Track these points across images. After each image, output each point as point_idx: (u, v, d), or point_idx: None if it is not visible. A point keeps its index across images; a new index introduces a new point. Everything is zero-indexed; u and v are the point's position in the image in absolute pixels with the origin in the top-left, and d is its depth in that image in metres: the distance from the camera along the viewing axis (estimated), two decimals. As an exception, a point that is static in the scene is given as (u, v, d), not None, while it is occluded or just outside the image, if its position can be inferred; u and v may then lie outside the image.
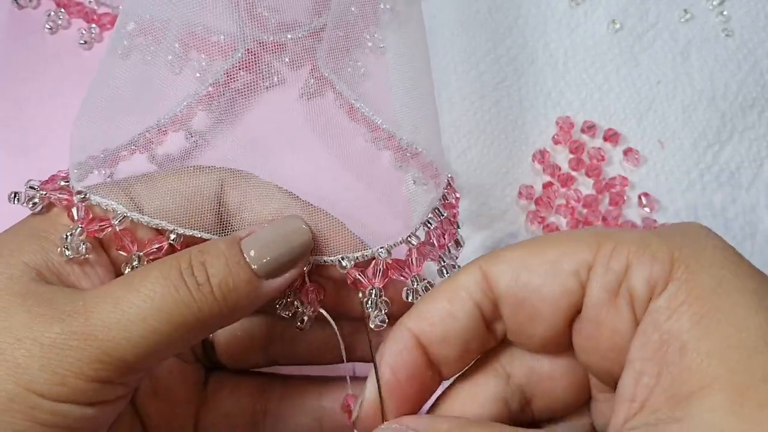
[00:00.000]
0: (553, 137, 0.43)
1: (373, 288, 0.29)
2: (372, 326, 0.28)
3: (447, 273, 0.30)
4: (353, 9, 0.34)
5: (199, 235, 0.28)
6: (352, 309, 0.30)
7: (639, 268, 0.22)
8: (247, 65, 0.32)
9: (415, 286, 0.29)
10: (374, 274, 0.29)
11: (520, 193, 0.41)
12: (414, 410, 0.26)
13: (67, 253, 0.26)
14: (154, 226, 0.28)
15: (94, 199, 0.28)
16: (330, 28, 0.33)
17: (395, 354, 0.25)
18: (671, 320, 0.21)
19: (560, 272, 0.23)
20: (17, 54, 0.42)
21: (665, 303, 0.21)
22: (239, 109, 0.32)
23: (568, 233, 0.24)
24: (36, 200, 0.27)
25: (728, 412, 0.19)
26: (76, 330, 0.24)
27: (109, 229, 0.27)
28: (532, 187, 0.42)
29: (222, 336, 0.32)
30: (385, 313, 0.28)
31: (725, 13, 0.45)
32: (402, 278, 0.29)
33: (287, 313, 0.29)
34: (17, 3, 0.43)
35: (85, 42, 0.43)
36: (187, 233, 0.28)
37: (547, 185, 0.42)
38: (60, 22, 0.43)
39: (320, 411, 0.31)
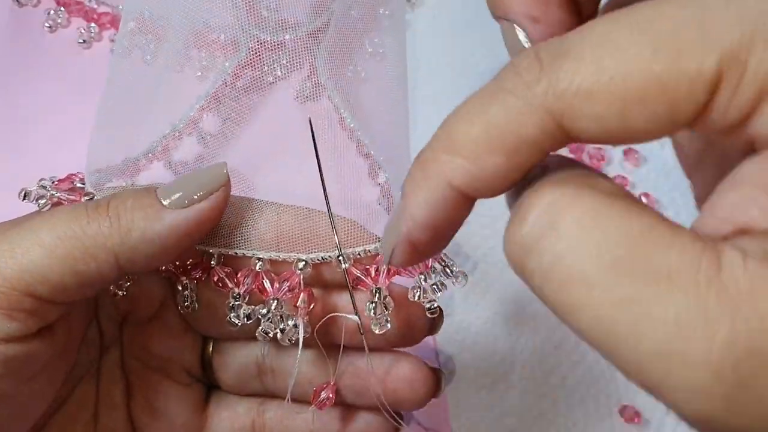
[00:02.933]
0: (553, 137, 0.43)
1: (376, 287, 0.27)
2: (376, 331, 0.27)
3: (451, 271, 0.28)
4: (353, 13, 0.34)
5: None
6: (338, 332, 0.28)
7: None
8: (251, 62, 0.32)
9: (423, 284, 0.27)
10: (378, 272, 0.27)
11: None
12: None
13: None
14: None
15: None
16: (330, 32, 0.33)
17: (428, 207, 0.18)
18: None
19: (673, 125, 0.16)
20: (16, 51, 0.42)
21: None
22: (245, 107, 0.31)
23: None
24: (45, 199, 0.27)
25: None
26: None
27: None
28: (532, 187, 0.42)
29: (219, 360, 0.31)
30: (389, 314, 0.27)
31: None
32: (408, 275, 0.27)
33: (273, 328, 0.27)
34: (18, 1, 0.43)
35: (84, 41, 0.43)
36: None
37: (547, 185, 0.42)
38: (59, 20, 0.43)
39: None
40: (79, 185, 0.28)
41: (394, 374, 0.29)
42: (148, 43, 0.31)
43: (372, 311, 0.27)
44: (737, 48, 0.15)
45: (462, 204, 0.18)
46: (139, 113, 0.30)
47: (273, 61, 0.31)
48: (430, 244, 0.19)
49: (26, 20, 0.42)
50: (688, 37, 0.16)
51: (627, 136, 0.17)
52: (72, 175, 0.29)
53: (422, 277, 0.27)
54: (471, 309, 0.39)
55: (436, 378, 0.29)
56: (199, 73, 0.32)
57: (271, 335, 0.27)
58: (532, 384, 0.38)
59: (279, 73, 0.31)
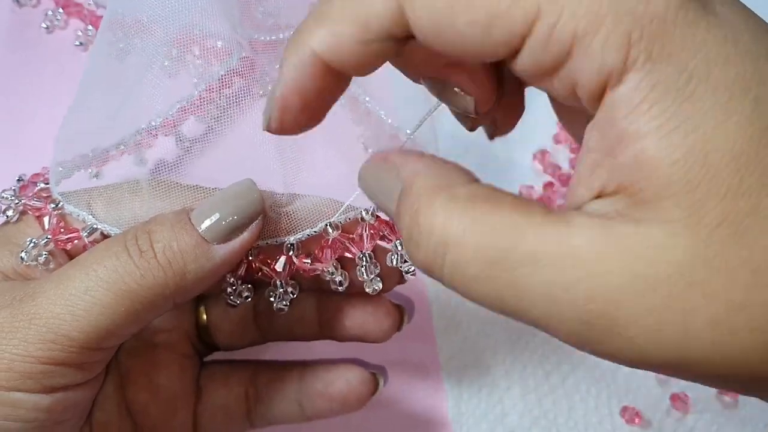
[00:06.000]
0: (554, 137, 0.42)
1: (363, 254, 0.28)
2: (369, 291, 0.28)
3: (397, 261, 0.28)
4: None
5: None
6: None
7: (585, 59, 0.18)
8: (242, 72, 0.31)
9: (399, 250, 0.28)
10: (361, 238, 0.28)
11: (520, 193, 0.41)
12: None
13: (23, 256, 0.26)
14: None
15: (68, 208, 0.27)
16: None
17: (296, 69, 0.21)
18: (629, 119, 0.17)
19: (487, 41, 0.18)
20: (14, 51, 0.42)
21: (622, 97, 0.18)
22: (231, 117, 0.31)
23: None
24: (10, 211, 0.27)
25: (683, 229, 0.17)
26: (21, 311, 0.23)
27: (77, 241, 0.27)
28: (532, 187, 0.41)
29: (215, 316, 0.31)
30: (377, 275, 0.28)
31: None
32: (386, 243, 0.28)
33: (280, 300, 0.28)
34: (17, 1, 0.43)
35: (81, 44, 0.43)
36: None
37: (547, 185, 0.41)
38: (57, 22, 0.43)
39: (299, 393, 0.31)
40: (42, 185, 0.28)
41: (361, 308, 0.31)
42: (140, 45, 0.31)
43: (364, 274, 0.28)
44: None
45: (326, 73, 0.20)
46: (114, 107, 0.29)
47: (264, 74, 0.31)
48: (303, 112, 0.21)
49: (25, 21, 0.42)
50: None
51: (448, 39, 0.19)
52: (36, 175, 0.29)
53: (398, 242, 0.28)
54: (471, 309, 0.39)
55: (399, 312, 0.31)
56: (195, 80, 0.31)
57: (285, 308, 0.29)
58: (532, 384, 0.38)
59: (261, 93, 0.31)
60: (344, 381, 0.31)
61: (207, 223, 0.25)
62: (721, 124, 0.17)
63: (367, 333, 0.31)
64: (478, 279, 0.19)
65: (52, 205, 0.27)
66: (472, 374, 0.38)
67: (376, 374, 0.32)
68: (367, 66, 0.20)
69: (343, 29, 0.19)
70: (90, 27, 0.43)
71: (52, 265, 0.26)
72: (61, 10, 0.43)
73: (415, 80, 0.23)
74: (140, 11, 0.30)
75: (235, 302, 0.28)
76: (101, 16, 0.43)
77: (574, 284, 0.17)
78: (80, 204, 0.27)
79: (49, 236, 0.26)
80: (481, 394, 0.38)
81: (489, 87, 0.22)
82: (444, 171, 0.20)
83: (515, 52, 0.18)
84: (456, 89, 0.22)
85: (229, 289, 0.28)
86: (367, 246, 0.28)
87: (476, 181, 0.21)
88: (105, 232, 0.27)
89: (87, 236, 0.27)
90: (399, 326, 0.31)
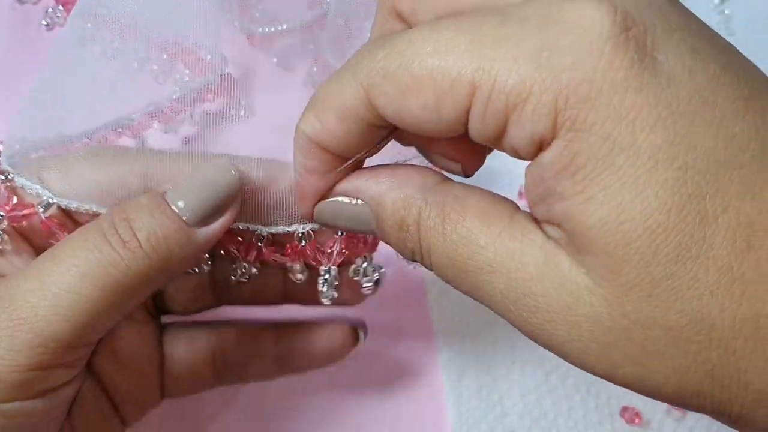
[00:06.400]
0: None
1: (328, 268, 0.28)
2: (324, 301, 0.28)
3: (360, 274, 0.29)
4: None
5: None
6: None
7: (518, 128, 0.18)
8: (220, 90, 0.30)
9: (363, 266, 0.28)
10: (330, 253, 0.28)
11: (520, 193, 0.41)
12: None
13: None
14: (84, 211, 0.26)
15: (19, 181, 0.25)
16: (331, 16, 0.33)
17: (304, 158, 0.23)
18: (555, 179, 0.18)
19: (441, 119, 0.20)
20: (15, 48, 0.42)
21: (549, 161, 0.18)
22: (202, 134, 0.30)
23: (444, 67, 0.19)
24: None
25: (602, 283, 0.18)
26: (1, 318, 0.22)
27: (35, 217, 0.25)
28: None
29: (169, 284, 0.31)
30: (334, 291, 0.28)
31: (726, 12, 0.45)
32: (354, 255, 0.28)
33: (242, 276, 0.29)
34: (17, -1, 0.43)
35: (79, 39, 0.43)
36: None
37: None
38: (57, 19, 0.43)
39: (277, 353, 0.31)
40: None
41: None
42: (115, 42, 0.30)
43: (323, 287, 0.28)
44: (489, 65, 0.18)
45: (320, 156, 0.22)
46: (85, 98, 0.28)
47: (239, 100, 0.30)
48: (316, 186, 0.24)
49: (25, 18, 0.42)
50: (459, 46, 0.19)
51: (410, 122, 0.20)
52: None
53: (362, 259, 0.28)
54: (471, 309, 0.39)
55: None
56: (178, 88, 0.30)
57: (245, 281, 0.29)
58: (532, 384, 0.38)
59: (243, 114, 0.30)
60: (326, 339, 0.32)
61: (185, 205, 0.25)
62: (638, 195, 0.17)
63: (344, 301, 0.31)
64: (455, 280, 0.21)
65: (1, 177, 0.25)
66: (472, 374, 0.38)
67: (357, 328, 0.32)
68: (356, 148, 0.22)
69: (327, 118, 0.21)
70: (89, 25, 0.43)
71: (9, 247, 0.25)
72: (61, 8, 0.43)
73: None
74: (133, 12, 0.30)
75: (244, 279, 0.29)
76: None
77: (520, 298, 0.19)
78: (31, 176, 0.25)
79: (2, 213, 0.25)
80: (481, 394, 0.38)
81: (474, 152, 0.23)
82: (408, 180, 0.22)
83: (466, 126, 0.20)
84: (443, 158, 0.23)
85: (239, 271, 0.28)
86: (335, 260, 0.28)
87: (441, 181, 0.22)
88: (62, 206, 0.25)
89: (43, 211, 0.25)
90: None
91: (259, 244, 0.28)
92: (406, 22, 0.22)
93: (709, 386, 0.18)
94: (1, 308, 0.22)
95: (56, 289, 0.22)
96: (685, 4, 0.49)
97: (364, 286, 0.29)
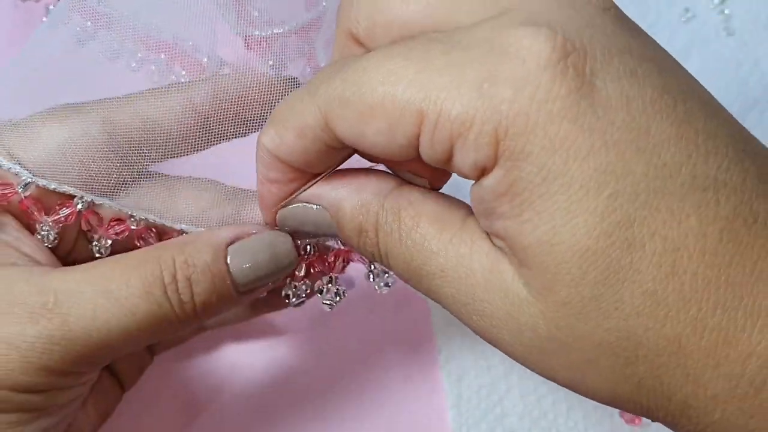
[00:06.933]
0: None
1: (331, 275, 0.28)
2: (326, 306, 0.28)
3: (374, 277, 0.29)
4: None
5: (109, 205, 0.27)
6: None
7: (462, 154, 0.19)
8: None
9: (326, 286, 0.28)
10: (335, 263, 0.28)
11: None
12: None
13: None
14: (62, 192, 0.26)
15: None
16: (327, 19, 0.33)
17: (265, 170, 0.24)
18: (496, 202, 0.19)
19: (395, 145, 0.21)
20: (17, 46, 0.42)
21: (489, 186, 0.19)
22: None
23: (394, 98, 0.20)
24: None
25: (537, 297, 0.19)
26: (55, 335, 0.23)
27: (14, 197, 0.26)
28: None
29: None
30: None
31: (726, 11, 0.45)
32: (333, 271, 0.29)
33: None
34: (18, -3, 0.43)
35: (79, 40, 0.42)
36: (96, 200, 0.27)
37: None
38: (56, 18, 0.43)
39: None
40: None
41: None
42: (111, 41, 0.30)
43: (326, 296, 0.28)
44: (435, 94, 0.19)
45: (280, 167, 0.23)
46: (60, 86, 0.28)
47: (258, 65, 0.30)
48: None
49: (27, 15, 0.42)
50: (407, 75, 0.19)
51: (366, 146, 0.21)
52: None
53: (327, 279, 0.28)
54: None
55: None
56: (155, 80, 0.30)
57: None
58: (532, 384, 0.38)
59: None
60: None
61: (245, 282, 0.26)
62: (570, 221, 0.18)
63: None
64: (412, 283, 0.23)
65: None
66: (472, 374, 0.38)
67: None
68: (316, 165, 0.23)
69: (285, 134, 0.22)
70: (89, 23, 0.43)
71: None
72: (60, 7, 0.43)
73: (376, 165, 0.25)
74: (133, 12, 0.30)
75: (299, 302, 0.28)
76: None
77: (470, 302, 0.21)
78: None
79: None
80: (481, 394, 0.38)
81: (438, 168, 0.23)
82: (365, 185, 0.23)
83: (418, 151, 0.20)
84: (410, 174, 0.24)
85: (290, 292, 0.28)
86: (339, 266, 0.29)
87: (398, 185, 0.23)
88: (41, 186, 0.26)
89: (23, 191, 0.26)
90: None
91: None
92: (364, 46, 0.23)
93: (638, 395, 0.19)
94: (52, 325, 0.23)
95: (112, 327, 0.24)
96: (684, 5, 0.49)
97: (323, 302, 0.29)
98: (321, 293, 0.28)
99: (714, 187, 0.18)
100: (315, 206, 0.24)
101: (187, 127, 0.27)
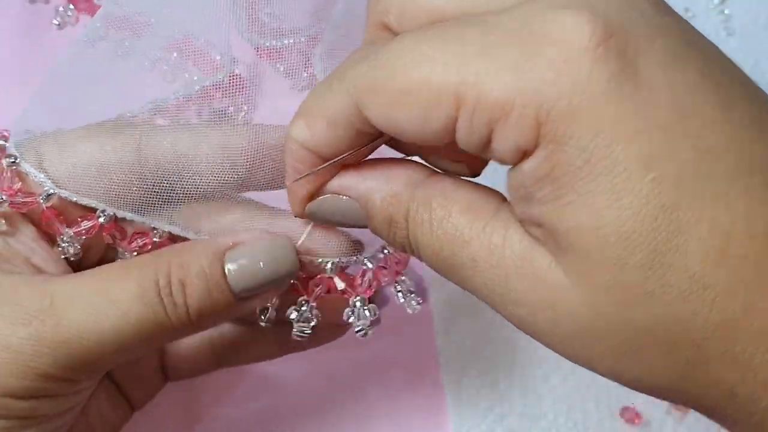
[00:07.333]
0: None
1: (358, 296, 0.27)
2: (358, 335, 0.27)
3: (403, 296, 0.28)
4: (357, 10, 0.34)
5: (130, 217, 0.27)
6: None
7: (502, 139, 0.19)
8: (226, 89, 0.30)
9: (357, 306, 0.27)
10: (362, 283, 0.27)
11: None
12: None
13: None
14: (84, 204, 0.26)
15: (24, 166, 0.26)
16: (328, 29, 0.33)
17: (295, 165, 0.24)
18: (535, 187, 0.19)
19: (429, 130, 0.20)
20: (27, 48, 0.42)
21: (529, 170, 0.19)
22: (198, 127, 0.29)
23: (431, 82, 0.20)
24: None
25: (579, 282, 0.19)
26: (46, 336, 0.23)
27: (36, 206, 0.26)
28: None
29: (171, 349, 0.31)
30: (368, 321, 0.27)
31: (726, 11, 0.45)
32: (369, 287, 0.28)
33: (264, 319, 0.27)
34: (28, -1, 0.44)
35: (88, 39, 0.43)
36: (118, 214, 0.26)
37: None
38: (68, 18, 0.43)
39: (281, 333, 0.30)
40: (1, 142, 0.27)
41: None
42: (125, 41, 0.30)
43: (356, 319, 0.27)
44: (474, 77, 0.19)
45: (310, 159, 0.23)
46: (87, 95, 0.29)
47: (248, 99, 0.31)
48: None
49: (36, 17, 0.43)
50: (444, 58, 0.19)
51: (399, 131, 0.21)
52: None
53: (357, 299, 0.27)
54: (471, 309, 0.39)
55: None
56: (174, 82, 0.31)
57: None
58: (532, 384, 0.38)
59: (245, 111, 0.30)
60: (328, 314, 0.30)
61: (243, 286, 0.25)
62: (614, 203, 0.18)
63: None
64: (444, 272, 0.22)
65: (8, 160, 0.26)
66: (472, 374, 0.38)
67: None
68: (346, 152, 0.23)
69: (316, 124, 0.22)
70: (99, 24, 0.44)
71: (3, 228, 0.26)
72: (72, 7, 0.43)
73: (410, 156, 0.25)
74: (147, 10, 0.30)
75: (268, 322, 0.27)
76: (111, 13, 0.44)
77: (504, 292, 0.20)
78: (30, 154, 0.26)
79: (5, 195, 0.25)
80: (480, 394, 0.37)
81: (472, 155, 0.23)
82: (396, 175, 0.23)
83: (454, 136, 0.20)
84: (447, 161, 0.23)
85: (265, 312, 0.27)
86: (317, 292, 0.27)
87: (430, 175, 0.23)
88: (63, 197, 0.26)
89: (44, 201, 0.26)
90: None
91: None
92: (395, 34, 0.22)
93: (683, 383, 0.19)
94: (45, 327, 0.23)
95: (105, 329, 0.24)
96: (684, 5, 0.49)
97: (356, 330, 0.28)
98: (354, 319, 0.27)
99: (761, 171, 0.18)
100: (344, 197, 0.24)
101: (220, 170, 0.26)
